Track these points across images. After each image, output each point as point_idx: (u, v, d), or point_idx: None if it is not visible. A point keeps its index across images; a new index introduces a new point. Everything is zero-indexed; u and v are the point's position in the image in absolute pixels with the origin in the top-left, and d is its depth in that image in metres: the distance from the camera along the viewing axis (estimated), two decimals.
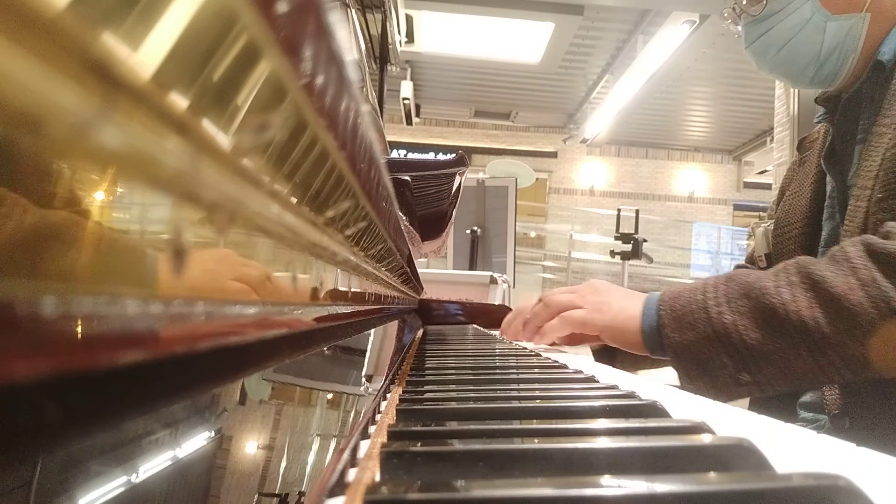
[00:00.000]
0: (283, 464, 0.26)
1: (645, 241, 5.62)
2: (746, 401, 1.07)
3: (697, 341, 0.78)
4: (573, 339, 0.94)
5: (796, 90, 3.89)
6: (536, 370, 0.59)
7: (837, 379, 0.76)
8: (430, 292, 1.56)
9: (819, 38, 0.91)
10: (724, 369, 0.77)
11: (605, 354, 0.99)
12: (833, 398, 0.89)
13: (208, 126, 0.14)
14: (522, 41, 6.70)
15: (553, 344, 0.95)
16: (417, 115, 7.96)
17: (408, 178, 0.88)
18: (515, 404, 0.37)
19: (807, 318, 0.73)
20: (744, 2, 0.95)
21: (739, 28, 0.99)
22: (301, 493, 0.25)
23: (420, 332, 1.18)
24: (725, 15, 1.00)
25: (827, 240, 0.97)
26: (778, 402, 1.01)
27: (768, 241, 1.10)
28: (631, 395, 0.38)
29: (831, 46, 0.91)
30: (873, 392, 0.82)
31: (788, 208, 1.07)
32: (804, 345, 0.73)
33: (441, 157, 1.11)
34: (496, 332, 1.22)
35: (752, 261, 1.18)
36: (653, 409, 0.34)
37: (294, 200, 0.23)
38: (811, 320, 0.73)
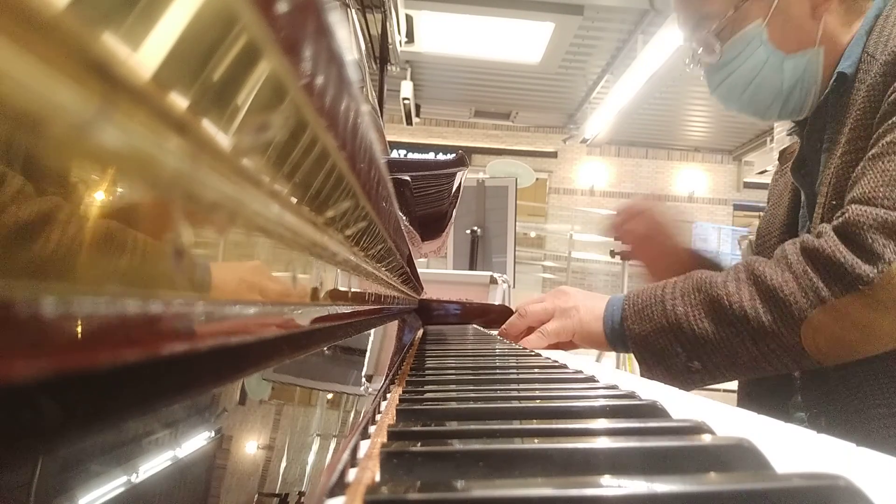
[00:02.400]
0: (283, 464, 0.26)
1: None
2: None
3: (654, 332, 0.86)
4: (558, 346, 1.01)
5: None
6: (536, 370, 0.59)
7: (781, 367, 0.82)
8: (430, 292, 1.56)
9: (779, 76, 0.94)
10: (677, 357, 0.84)
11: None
12: (807, 397, 0.92)
13: (208, 126, 0.14)
14: (522, 41, 6.70)
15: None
16: (417, 115, 7.96)
17: (408, 178, 0.88)
18: (515, 404, 0.37)
19: (748, 308, 0.80)
20: (699, 51, 0.99)
21: (701, 77, 1.02)
22: (301, 493, 0.25)
23: (420, 332, 1.18)
24: (687, 62, 1.04)
25: None
26: (770, 402, 1.02)
27: (753, 252, 1.13)
28: (631, 395, 0.38)
29: (792, 83, 0.94)
30: (841, 389, 0.86)
31: (769, 218, 1.11)
32: (747, 334, 0.80)
33: (441, 157, 1.11)
34: (496, 332, 1.22)
35: None
36: (653, 409, 0.34)
37: (294, 200, 0.23)
38: (751, 311, 0.80)
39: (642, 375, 0.85)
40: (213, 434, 0.20)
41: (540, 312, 0.97)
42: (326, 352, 0.40)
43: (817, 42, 0.92)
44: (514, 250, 4.05)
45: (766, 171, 8.95)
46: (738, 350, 0.81)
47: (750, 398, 1.06)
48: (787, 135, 1.06)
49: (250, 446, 0.24)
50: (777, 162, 1.17)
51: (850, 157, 0.84)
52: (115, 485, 0.14)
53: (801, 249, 0.80)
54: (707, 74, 1.01)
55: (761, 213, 1.23)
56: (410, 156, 8.58)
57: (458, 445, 0.25)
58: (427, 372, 0.54)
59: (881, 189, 0.77)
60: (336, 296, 0.36)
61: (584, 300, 0.96)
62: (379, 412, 0.39)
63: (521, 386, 0.47)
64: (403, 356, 0.70)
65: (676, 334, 0.84)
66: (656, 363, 0.86)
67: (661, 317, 0.86)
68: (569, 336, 0.95)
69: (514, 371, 0.58)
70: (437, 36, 6.67)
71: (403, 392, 0.43)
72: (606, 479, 0.20)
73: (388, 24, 4.68)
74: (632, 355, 0.99)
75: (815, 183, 0.96)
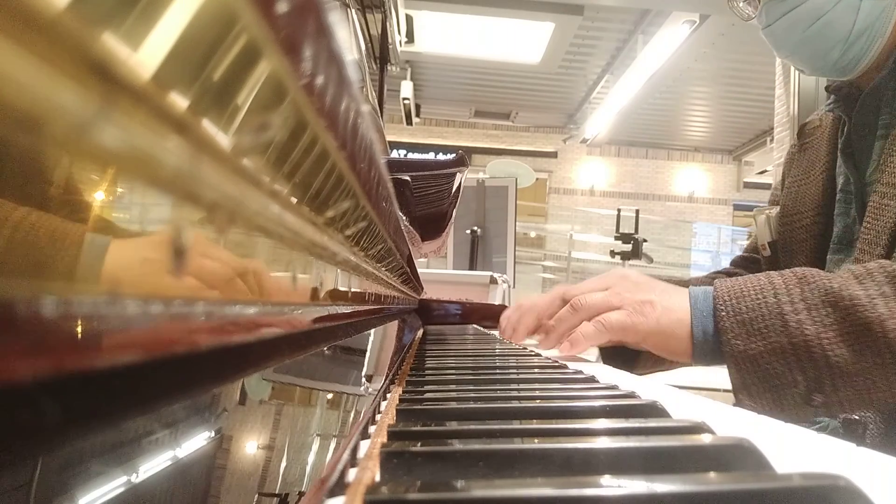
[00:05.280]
0: (283, 464, 0.26)
1: (645, 241, 5.62)
2: None
3: (767, 353, 0.67)
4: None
5: (796, 90, 3.88)
6: (536, 370, 0.59)
7: None
8: (430, 292, 1.56)
9: (852, 16, 0.84)
10: (795, 387, 0.66)
11: (619, 357, 0.87)
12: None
13: (208, 126, 0.14)
14: (522, 41, 6.70)
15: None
16: (417, 115, 7.97)
17: (408, 178, 0.88)
18: (515, 404, 0.37)
19: None
20: None
21: (749, 11, 0.93)
22: (301, 493, 0.25)
23: (420, 332, 1.18)
24: None
25: (840, 236, 0.92)
26: None
27: (771, 228, 1.05)
28: (631, 395, 0.38)
29: (862, 27, 0.84)
30: None
31: (795, 196, 1.01)
32: None
33: (441, 157, 1.11)
34: (496, 332, 1.22)
35: (753, 250, 1.15)
36: (653, 409, 0.34)
37: (294, 200, 0.23)
38: None
39: (737, 402, 0.69)
40: (213, 434, 0.20)
41: (601, 304, 0.74)
42: (326, 352, 0.40)
43: None
44: (514, 250, 4.05)
45: (766, 171, 8.96)
46: (878, 384, 0.64)
47: None
48: (828, 110, 0.97)
49: (250, 446, 0.24)
50: (796, 137, 1.09)
51: None
52: (115, 485, 0.14)
53: None
54: (767, 5, 0.89)
55: (772, 190, 1.15)
56: (410, 156, 8.59)
57: (458, 445, 0.25)
58: (427, 372, 0.54)
59: None
60: (336, 296, 0.36)
61: (662, 295, 0.74)
62: (379, 412, 0.39)
63: (521, 386, 0.47)
64: (403, 356, 0.70)
65: (800, 359, 0.65)
66: (765, 391, 0.67)
67: (782, 335, 0.66)
68: (638, 338, 0.73)
69: (514, 371, 0.58)
70: (437, 36, 6.67)
71: (403, 392, 0.43)
72: (606, 479, 0.20)
73: (388, 24, 4.68)
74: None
75: (862, 168, 0.88)
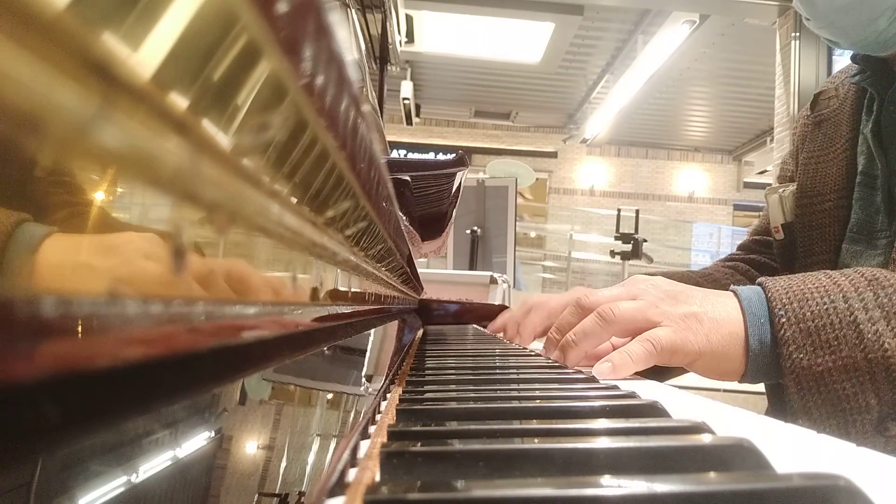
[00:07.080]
0: (283, 464, 0.26)
1: (645, 241, 5.63)
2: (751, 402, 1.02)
3: (837, 370, 0.55)
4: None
5: (796, 90, 3.88)
6: (536, 370, 0.59)
7: None
8: (430, 292, 1.56)
9: None
10: (867, 413, 0.54)
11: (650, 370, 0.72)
12: None
13: (208, 126, 0.14)
14: (522, 41, 6.71)
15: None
16: (417, 115, 7.97)
17: (408, 178, 0.88)
18: (515, 404, 0.37)
19: None
20: None
21: None
22: (301, 493, 0.25)
23: (420, 332, 1.18)
24: None
25: (860, 225, 0.85)
26: None
27: (785, 209, 0.95)
28: (631, 396, 0.38)
29: None
30: None
31: (814, 175, 0.92)
32: None
33: (441, 157, 1.10)
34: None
35: (764, 232, 1.05)
36: (653, 410, 0.34)
37: (294, 200, 0.23)
38: None
39: (796, 416, 0.57)
40: (213, 434, 0.20)
41: (637, 317, 0.59)
42: (326, 352, 0.40)
43: None
44: (515, 250, 4.05)
45: (766, 170, 8.96)
46: None
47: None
48: (852, 82, 0.89)
49: (250, 446, 0.24)
50: (809, 109, 0.99)
51: None
52: (115, 485, 0.14)
53: None
54: None
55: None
56: (410, 156, 8.59)
57: (458, 445, 0.25)
58: (427, 372, 0.54)
59: None
60: (336, 296, 0.36)
61: (705, 304, 0.60)
62: (379, 412, 0.39)
63: (521, 386, 0.47)
64: (403, 356, 0.70)
65: (876, 379, 0.54)
66: (830, 416, 0.55)
67: (855, 348, 0.54)
68: (685, 360, 0.58)
69: (514, 371, 0.58)
70: (437, 36, 6.67)
71: (403, 392, 0.43)
72: (606, 479, 0.20)
73: (388, 24, 4.68)
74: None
75: (889, 153, 0.81)
